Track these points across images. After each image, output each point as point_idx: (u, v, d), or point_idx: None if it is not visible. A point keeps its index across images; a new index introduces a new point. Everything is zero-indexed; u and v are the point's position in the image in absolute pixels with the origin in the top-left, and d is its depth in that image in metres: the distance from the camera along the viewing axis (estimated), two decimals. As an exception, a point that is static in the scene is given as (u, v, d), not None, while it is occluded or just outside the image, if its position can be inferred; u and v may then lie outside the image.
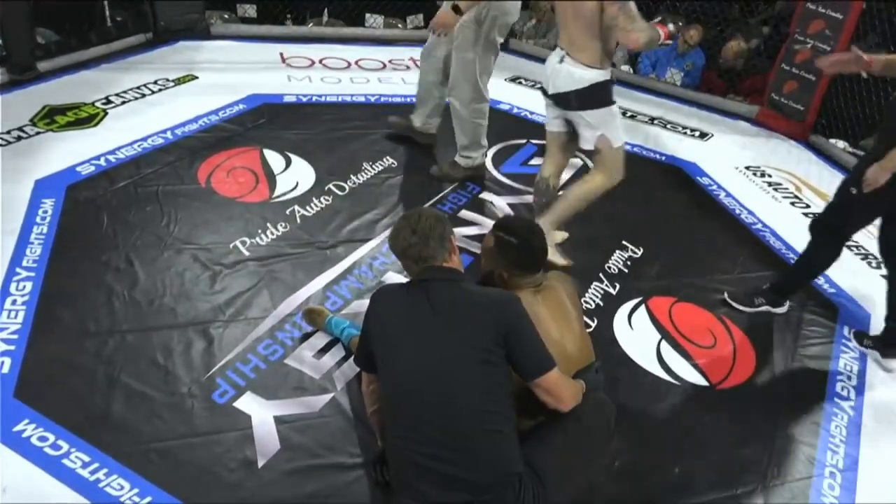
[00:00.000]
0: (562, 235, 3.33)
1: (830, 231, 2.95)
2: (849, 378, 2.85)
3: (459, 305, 1.91)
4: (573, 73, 2.83)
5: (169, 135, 3.79)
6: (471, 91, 3.51)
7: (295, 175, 3.60)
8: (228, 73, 4.57)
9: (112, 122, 3.85)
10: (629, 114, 4.83)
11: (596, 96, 2.87)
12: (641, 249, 3.42)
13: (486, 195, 3.69)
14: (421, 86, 3.82)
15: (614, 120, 2.97)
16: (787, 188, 4.23)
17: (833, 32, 4.43)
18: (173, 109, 4.03)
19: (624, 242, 3.45)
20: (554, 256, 3.08)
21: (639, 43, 2.69)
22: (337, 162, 3.74)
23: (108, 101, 4.04)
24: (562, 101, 2.94)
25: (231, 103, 4.17)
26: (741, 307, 3.13)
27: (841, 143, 4.69)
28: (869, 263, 3.61)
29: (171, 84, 4.34)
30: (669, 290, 3.17)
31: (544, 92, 3.03)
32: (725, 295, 3.16)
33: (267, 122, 4.06)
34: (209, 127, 3.93)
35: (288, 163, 3.69)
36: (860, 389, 2.81)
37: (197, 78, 4.44)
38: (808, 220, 3.78)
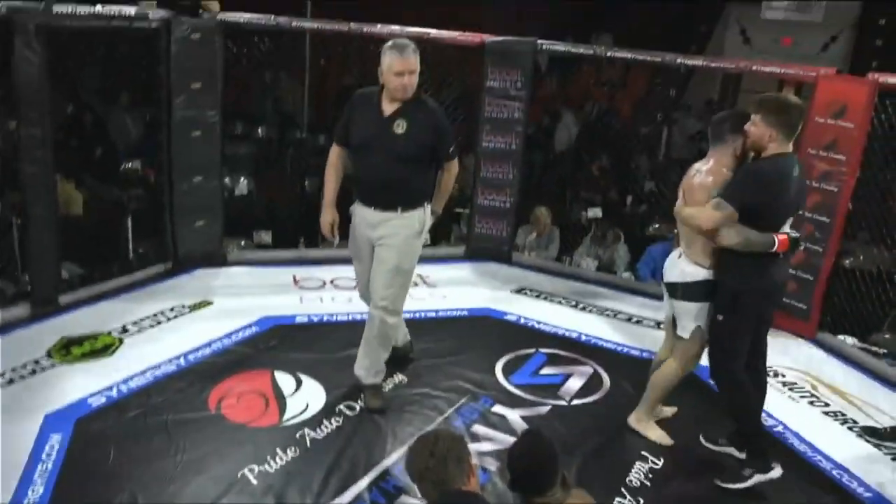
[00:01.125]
0: (671, 410, 3.63)
1: (726, 371, 3.15)
2: None
3: None
4: (682, 267, 3.16)
5: (182, 361, 3.85)
6: (403, 303, 3.58)
7: (305, 396, 3.59)
8: (242, 297, 4.73)
9: (127, 351, 3.92)
10: (634, 319, 4.91)
11: (696, 291, 3.14)
12: (662, 460, 3.31)
13: (498, 408, 3.64)
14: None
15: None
16: (802, 387, 4.17)
17: (822, 234, 4.61)
18: (188, 335, 4.12)
19: (643, 453, 3.34)
20: (654, 434, 3.46)
21: (727, 242, 2.98)
22: (348, 382, 3.74)
23: (125, 330, 4.15)
24: (670, 289, 3.26)
25: (243, 326, 4.27)
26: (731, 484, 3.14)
27: (850, 340, 4.70)
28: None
29: (187, 310, 4.47)
30: (700, 500, 3.03)
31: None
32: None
33: (279, 343, 4.13)
34: (222, 351, 4.00)
35: (298, 384, 3.70)
36: None
37: (212, 303, 4.59)
38: (828, 420, 3.73)
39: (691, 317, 3.20)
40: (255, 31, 5.43)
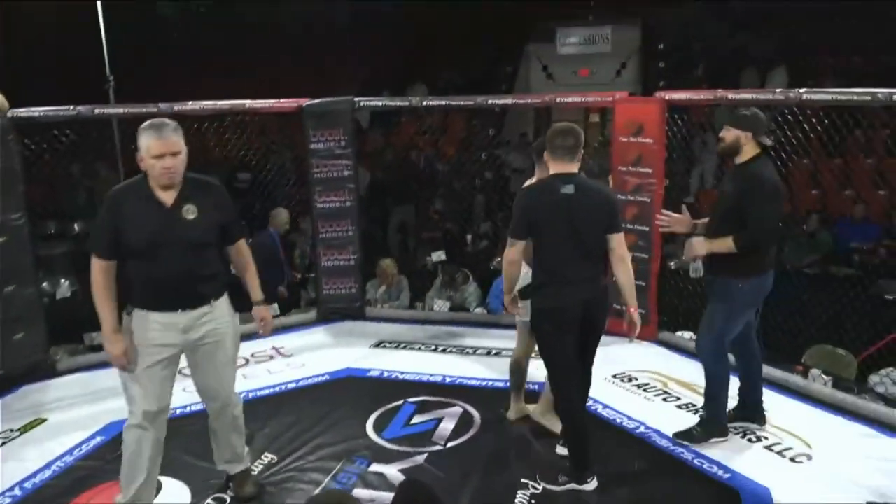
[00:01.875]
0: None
1: (552, 380, 3.41)
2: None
3: None
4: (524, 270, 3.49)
5: (17, 491, 3.44)
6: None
7: (168, 500, 3.33)
8: (80, 407, 4.33)
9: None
10: (493, 352, 5.03)
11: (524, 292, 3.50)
12: (541, 484, 3.37)
13: (375, 467, 3.56)
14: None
15: None
16: (655, 386, 4.44)
17: (645, 242, 4.99)
18: (21, 463, 3.70)
19: (523, 480, 3.39)
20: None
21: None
22: (213, 474, 3.50)
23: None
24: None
25: (87, 438, 3.91)
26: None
27: (688, 334, 5.07)
28: (749, 439, 3.76)
29: (17, 434, 4.02)
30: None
31: None
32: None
33: (129, 448, 3.81)
34: (64, 470, 3.63)
35: (158, 489, 3.41)
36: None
37: (46, 420, 4.17)
38: (683, 413, 3.98)
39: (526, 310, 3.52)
40: (54, 124, 5.10)
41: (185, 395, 4.44)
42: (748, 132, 3.45)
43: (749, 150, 3.48)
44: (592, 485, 3.31)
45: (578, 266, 3.22)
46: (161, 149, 2.87)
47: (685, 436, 3.74)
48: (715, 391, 3.69)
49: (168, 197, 2.95)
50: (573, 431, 3.36)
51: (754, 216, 3.36)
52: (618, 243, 3.26)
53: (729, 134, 3.49)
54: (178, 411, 4.22)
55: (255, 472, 3.52)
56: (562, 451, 3.55)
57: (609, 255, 3.26)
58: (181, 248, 2.95)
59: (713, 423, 3.71)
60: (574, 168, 3.26)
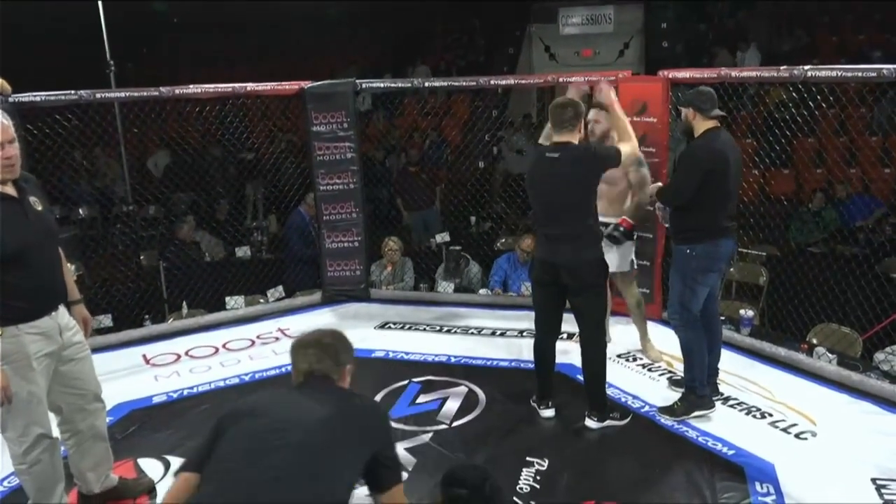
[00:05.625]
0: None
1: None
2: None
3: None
4: None
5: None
6: None
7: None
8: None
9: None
10: (498, 332, 5.03)
11: None
12: (546, 461, 3.39)
13: (381, 447, 3.58)
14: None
15: None
16: (659, 366, 4.44)
17: (650, 222, 4.97)
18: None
19: (528, 458, 3.41)
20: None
21: None
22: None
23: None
24: None
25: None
26: None
27: (691, 313, 5.06)
28: (754, 416, 3.77)
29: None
30: (588, 493, 3.13)
31: None
32: None
33: (138, 428, 3.85)
34: (74, 451, 3.64)
35: (167, 467, 3.45)
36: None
37: (54, 402, 4.19)
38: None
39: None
40: (56, 109, 5.09)
41: (190, 377, 4.49)
42: (692, 109, 3.66)
43: (701, 126, 3.66)
44: (548, 412, 3.82)
45: (552, 224, 3.59)
46: None
47: (668, 410, 3.79)
48: (688, 361, 3.78)
49: (11, 190, 2.67)
50: (535, 363, 3.88)
51: (671, 181, 3.84)
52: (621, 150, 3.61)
53: (684, 113, 3.73)
54: (186, 392, 4.27)
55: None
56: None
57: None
58: (49, 243, 2.78)
59: (693, 395, 3.77)
60: (570, 138, 3.55)
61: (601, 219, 3.81)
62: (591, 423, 3.71)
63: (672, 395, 3.96)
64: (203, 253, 6.92)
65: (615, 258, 4.25)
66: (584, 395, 3.79)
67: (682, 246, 3.69)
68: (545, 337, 3.83)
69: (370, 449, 2.06)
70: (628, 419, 3.75)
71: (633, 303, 4.56)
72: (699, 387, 3.76)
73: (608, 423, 3.70)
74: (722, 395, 3.99)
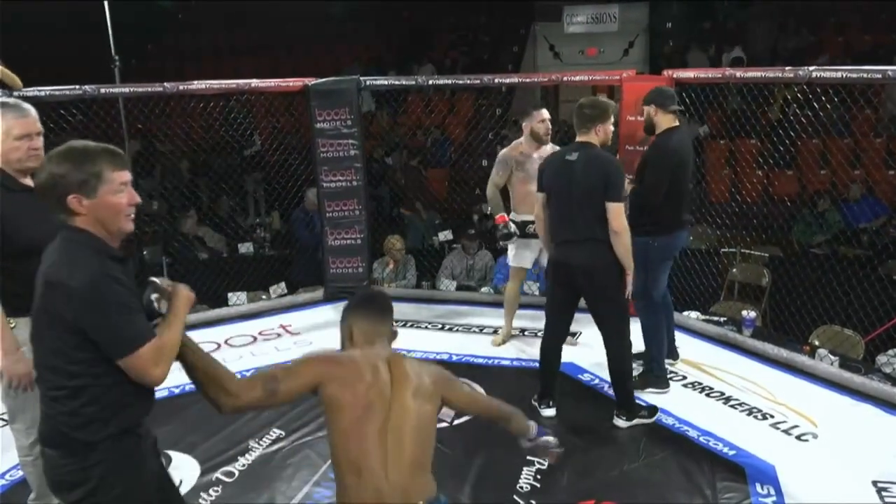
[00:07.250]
0: None
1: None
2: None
3: None
4: None
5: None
6: None
7: (177, 473, 3.37)
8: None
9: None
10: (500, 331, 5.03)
11: None
12: (546, 460, 3.38)
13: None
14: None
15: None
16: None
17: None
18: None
19: (528, 458, 3.41)
20: None
21: None
22: (220, 447, 3.55)
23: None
24: None
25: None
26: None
27: (694, 314, 5.06)
28: (755, 417, 3.77)
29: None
30: (589, 493, 3.13)
31: None
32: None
33: (139, 425, 3.85)
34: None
35: (168, 461, 3.46)
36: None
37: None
38: (689, 391, 3.98)
39: None
40: (61, 104, 5.10)
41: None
42: (652, 106, 3.91)
43: (662, 123, 3.90)
44: (549, 411, 3.80)
45: (567, 228, 3.57)
46: (26, 128, 2.68)
47: None
48: (647, 342, 4.02)
49: (31, 182, 2.57)
50: (539, 362, 3.86)
51: (647, 181, 3.85)
52: (613, 215, 3.44)
53: (646, 111, 3.96)
54: (188, 387, 4.26)
55: (264, 446, 3.56)
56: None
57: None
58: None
59: (648, 373, 4.01)
60: (588, 138, 3.59)
61: (515, 217, 4.30)
62: (619, 422, 3.69)
63: (674, 394, 3.97)
64: (209, 248, 6.94)
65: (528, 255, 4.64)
66: (610, 396, 3.84)
67: (644, 238, 3.82)
68: (553, 338, 3.82)
69: None
70: (657, 416, 3.74)
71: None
72: (657, 367, 4.00)
73: (637, 421, 3.69)
74: (680, 357, 4.40)
